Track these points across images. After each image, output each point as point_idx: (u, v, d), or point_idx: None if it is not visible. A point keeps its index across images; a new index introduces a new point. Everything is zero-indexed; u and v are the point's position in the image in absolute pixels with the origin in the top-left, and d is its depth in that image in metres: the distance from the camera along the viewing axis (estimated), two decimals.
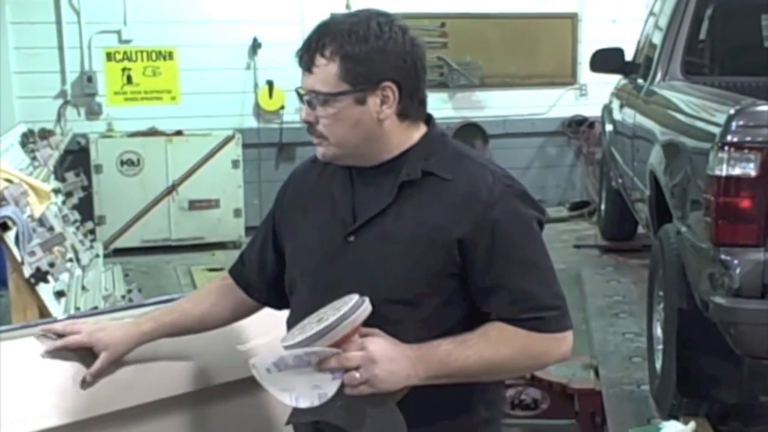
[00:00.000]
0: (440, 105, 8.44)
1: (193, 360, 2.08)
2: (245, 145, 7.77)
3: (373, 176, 1.79)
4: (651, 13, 6.21)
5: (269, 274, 1.96)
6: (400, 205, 1.75)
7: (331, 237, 1.79)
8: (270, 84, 7.95)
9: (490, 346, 1.69)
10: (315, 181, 1.89)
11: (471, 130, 8.41)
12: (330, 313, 1.63)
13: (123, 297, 4.96)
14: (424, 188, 1.75)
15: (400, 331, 1.68)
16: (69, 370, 1.93)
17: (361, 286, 1.69)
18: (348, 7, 8.02)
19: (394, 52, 1.72)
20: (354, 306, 1.62)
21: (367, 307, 1.64)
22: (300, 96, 1.77)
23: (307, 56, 1.73)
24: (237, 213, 7.72)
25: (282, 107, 8.02)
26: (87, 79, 7.58)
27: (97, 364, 1.94)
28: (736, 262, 3.38)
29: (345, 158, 1.79)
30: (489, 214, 1.71)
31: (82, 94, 7.61)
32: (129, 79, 7.75)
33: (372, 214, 1.76)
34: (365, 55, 1.70)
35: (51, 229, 3.93)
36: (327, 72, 1.71)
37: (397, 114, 1.75)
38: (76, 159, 7.27)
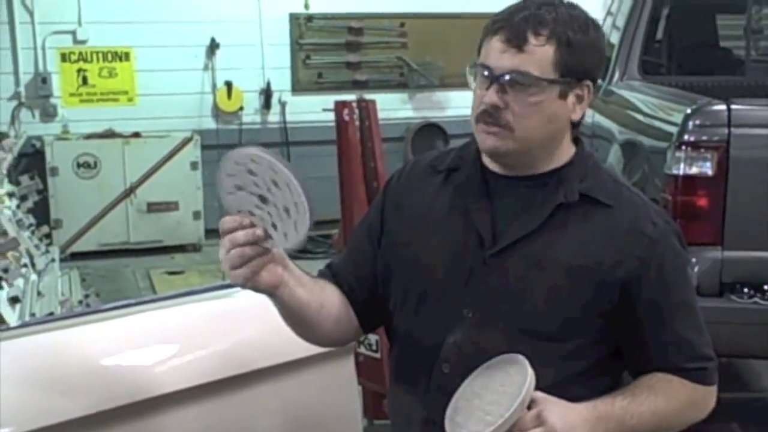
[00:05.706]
0: (400, 105, 8.45)
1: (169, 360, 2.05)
2: (204, 147, 7.69)
3: (516, 190, 1.60)
4: (608, 13, 6.24)
5: (369, 286, 1.71)
6: (552, 228, 1.57)
7: (464, 255, 1.60)
8: (228, 85, 7.89)
9: (660, 400, 1.57)
10: (438, 189, 1.67)
11: (432, 131, 8.42)
12: (489, 395, 1.49)
13: (80, 302, 4.88)
14: (581, 214, 1.58)
15: (536, 368, 1.48)
16: (44, 372, 1.90)
17: (497, 314, 1.56)
18: (306, 7, 8.00)
19: (601, 49, 1.59)
20: (522, 386, 1.46)
21: (533, 379, 1.47)
22: (490, 73, 1.52)
23: (516, 31, 1.50)
24: (196, 215, 7.65)
25: (241, 108, 7.97)
26: (41, 80, 7.46)
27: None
28: (693, 260, 3.41)
29: (514, 157, 1.58)
30: (654, 251, 1.57)
31: (37, 95, 7.49)
32: (85, 81, 7.64)
33: (520, 235, 1.57)
34: (583, 46, 1.53)
35: (4, 233, 3.87)
36: (542, 54, 1.50)
37: (574, 121, 1.60)
38: (31, 162, 7.18)
